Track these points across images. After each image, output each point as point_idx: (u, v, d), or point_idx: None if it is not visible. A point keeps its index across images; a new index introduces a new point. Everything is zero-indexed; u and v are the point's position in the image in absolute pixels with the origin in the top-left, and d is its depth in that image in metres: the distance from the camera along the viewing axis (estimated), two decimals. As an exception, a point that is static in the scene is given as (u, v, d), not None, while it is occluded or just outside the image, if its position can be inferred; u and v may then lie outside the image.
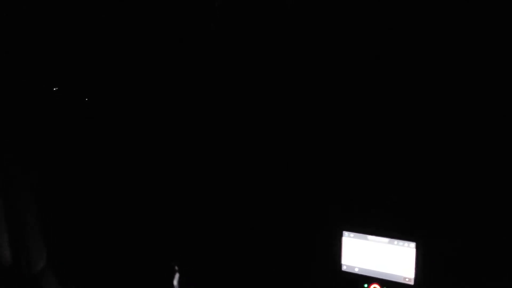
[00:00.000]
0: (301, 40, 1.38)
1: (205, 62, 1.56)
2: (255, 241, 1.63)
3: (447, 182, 1.38)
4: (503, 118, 1.27)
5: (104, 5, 1.57)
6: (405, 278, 1.43)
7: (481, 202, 1.34)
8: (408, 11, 1.18)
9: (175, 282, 1.53)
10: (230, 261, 1.64)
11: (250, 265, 1.62)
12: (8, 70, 1.52)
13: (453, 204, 1.38)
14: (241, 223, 1.64)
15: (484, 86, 1.28)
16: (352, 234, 1.50)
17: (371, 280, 1.47)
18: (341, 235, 1.51)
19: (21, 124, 1.54)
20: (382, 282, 1.46)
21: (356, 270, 1.49)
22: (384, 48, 1.33)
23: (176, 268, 1.55)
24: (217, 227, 1.66)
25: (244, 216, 1.64)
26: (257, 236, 1.63)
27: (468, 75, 1.28)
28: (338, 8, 1.26)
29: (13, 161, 0.87)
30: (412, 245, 1.41)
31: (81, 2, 1.58)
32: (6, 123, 1.10)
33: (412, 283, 1.41)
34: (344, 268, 1.51)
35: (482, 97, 1.29)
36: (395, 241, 1.44)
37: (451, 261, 1.38)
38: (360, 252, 1.49)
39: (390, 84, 1.38)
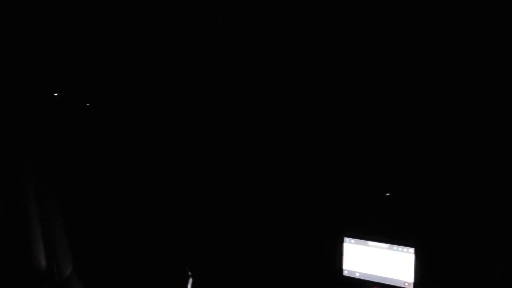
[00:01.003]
0: (300, 40, 1.40)
1: (205, 63, 1.57)
2: (256, 247, 1.65)
3: (447, 189, 1.43)
4: (502, 122, 1.31)
5: (105, 8, 1.57)
6: (404, 282, 1.47)
7: (480, 208, 1.39)
8: (408, 11, 1.21)
9: (189, 287, 1.54)
10: (239, 267, 1.66)
11: (254, 271, 1.65)
12: (17, 76, 1.52)
13: (452, 210, 1.42)
14: (245, 230, 1.67)
15: (484, 86, 1.31)
16: (353, 240, 1.54)
17: (371, 284, 1.51)
18: (342, 241, 1.55)
19: (43, 136, 1.56)
20: (382, 286, 1.50)
21: (357, 275, 1.53)
22: (384, 47, 1.35)
23: (190, 273, 1.56)
24: (228, 233, 1.68)
25: (246, 222, 1.66)
26: (259, 242, 1.65)
27: (468, 75, 1.31)
28: (338, 8, 1.29)
29: (44, 174, 0.91)
30: (412, 250, 1.46)
31: (84, 5, 1.58)
32: (31, 134, 1.13)
33: (411, 287, 1.46)
34: (345, 273, 1.54)
35: (481, 100, 1.32)
36: (395, 247, 1.48)
37: (450, 266, 1.43)
38: (361, 257, 1.53)
39: (390, 87, 1.41)
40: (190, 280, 1.55)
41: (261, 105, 1.60)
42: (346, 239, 1.54)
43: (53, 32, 1.61)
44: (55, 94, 1.75)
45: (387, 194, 1.51)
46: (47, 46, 1.63)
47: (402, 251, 1.47)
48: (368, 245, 1.52)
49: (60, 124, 1.74)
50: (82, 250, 1.16)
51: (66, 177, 1.61)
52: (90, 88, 1.77)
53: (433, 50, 1.33)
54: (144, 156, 1.73)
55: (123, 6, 1.54)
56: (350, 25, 1.32)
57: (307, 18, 1.33)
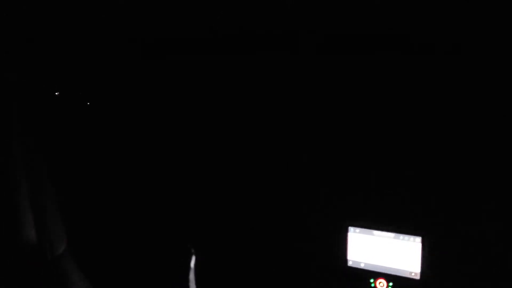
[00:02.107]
0: (300, 40, 1.37)
1: (204, 62, 1.55)
2: (262, 236, 1.63)
3: (453, 176, 1.38)
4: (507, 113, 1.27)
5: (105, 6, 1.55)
6: (411, 272, 1.42)
7: (487, 196, 1.33)
8: (408, 10, 1.16)
9: (192, 264, 1.52)
10: (240, 251, 1.65)
11: (257, 260, 1.63)
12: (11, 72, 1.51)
13: (459, 199, 1.37)
14: (250, 218, 1.65)
15: (484, 85, 1.27)
16: (357, 230, 1.49)
17: (377, 275, 1.47)
18: (346, 231, 1.50)
19: (38, 114, 1.56)
20: (388, 277, 1.46)
21: (362, 266, 1.49)
22: (383, 46, 1.31)
23: (193, 250, 1.54)
24: (230, 218, 1.66)
25: (253, 212, 1.64)
26: (265, 232, 1.63)
27: (467, 74, 1.28)
28: (337, 7, 1.25)
29: (34, 148, 0.87)
30: (418, 239, 1.41)
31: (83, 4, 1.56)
32: (26, 111, 1.11)
33: (418, 277, 1.41)
34: (350, 263, 1.51)
35: (487, 91, 1.28)
36: (401, 236, 1.44)
37: (457, 255, 1.38)
38: (366, 247, 1.48)
39: (394, 80, 1.37)
40: (193, 257, 1.53)
41: (263, 97, 1.57)
42: (351, 229, 1.50)
43: (53, 31, 1.60)
44: (56, 93, 1.75)
45: (393, 182, 1.46)
46: (47, 45, 1.63)
47: (409, 240, 1.43)
48: (373, 235, 1.47)
49: (61, 122, 1.74)
50: (78, 227, 1.15)
51: (67, 155, 1.61)
52: (91, 87, 1.77)
53: (432, 48, 1.28)
54: (145, 144, 1.73)
55: (122, 6, 1.52)
56: (350, 24, 1.29)
57: (306, 18, 1.29)
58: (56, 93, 1.69)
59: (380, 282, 1.47)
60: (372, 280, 1.48)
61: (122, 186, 1.73)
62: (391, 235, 1.45)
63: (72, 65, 1.64)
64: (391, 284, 1.45)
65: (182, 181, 1.71)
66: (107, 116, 1.74)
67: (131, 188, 1.73)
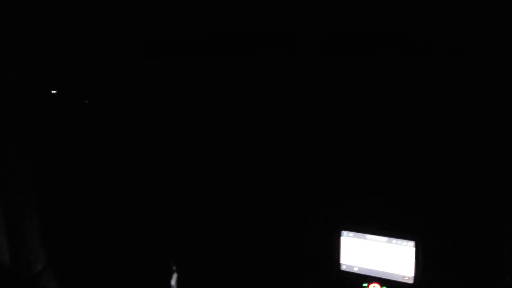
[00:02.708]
0: (300, 40, 1.40)
1: (204, 62, 1.57)
2: (252, 241, 1.61)
3: (446, 181, 1.39)
4: (503, 117, 1.29)
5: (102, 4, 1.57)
6: (404, 277, 1.42)
7: (480, 200, 1.35)
8: (408, 10, 1.20)
9: (173, 282, 1.49)
10: (228, 260, 1.62)
11: (248, 265, 1.60)
12: (10, 72, 1.50)
13: (452, 203, 1.39)
14: (238, 223, 1.63)
15: (483, 85, 1.30)
16: (351, 234, 1.49)
17: (370, 279, 1.46)
18: (339, 235, 1.50)
19: (22, 124, 1.53)
20: (382, 281, 1.45)
21: (355, 270, 1.48)
22: (383, 46, 1.34)
23: (174, 267, 1.51)
24: (215, 226, 1.64)
25: (242, 216, 1.62)
26: (255, 236, 1.61)
27: (466, 73, 1.31)
28: (337, 7, 1.28)
29: (13, 160, 0.86)
30: (411, 244, 1.41)
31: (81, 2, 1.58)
32: (7, 122, 1.09)
33: (411, 282, 1.41)
34: (343, 267, 1.50)
35: (482, 94, 1.31)
36: (394, 240, 1.44)
37: (450, 259, 1.38)
38: (359, 251, 1.48)
39: (389, 80, 1.40)
40: (175, 275, 1.50)
41: (257, 102, 1.58)
42: (344, 233, 1.50)
43: (50, 29, 1.61)
44: (53, 92, 1.74)
45: (386, 186, 1.47)
46: (45, 43, 1.63)
47: (402, 244, 1.43)
48: (366, 239, 1.47)
49: (59, 121, 1.72)
50: (59, 245, 1.11)
51: (48, 167, 1.57)
52: (89, 86, 1.76)
53: (431, 47, 1.32)
54: (127, 148, 1.71)
55: (121, 4, 1.54)
56: (350, 24, 1.32)
57: (306, 18, 1.32)
58: (53, 92, 1.67)
59: (373, 286, 1.46)
60: (365, 284, 1.47)
61: (108, 198, 1.69)
62: (384, 239, 1.45)
63: (69, 63, 1.64)
64: (384, 288, 1.45)
65: (168, 192, 1.69)
66: (104, 115, 1.72)
67: (116, 202, 1.69)
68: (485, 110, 1.32)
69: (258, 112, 1.58)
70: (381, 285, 1.45)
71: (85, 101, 1.77)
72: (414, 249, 1.41)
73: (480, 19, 1.09)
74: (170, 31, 1.50)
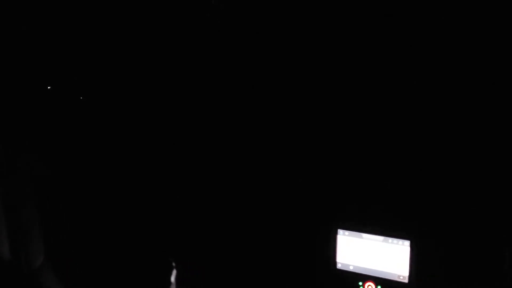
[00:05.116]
0: (299, 37, 1.40)
1: (202, 58, 1.57)
2: (250, 239, 1.62)
3: (442, 181, 1.40)
4: (502, 117, 1.29)
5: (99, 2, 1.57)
6: (399, 276, 1.43)
7: (475, 200, 1.35)
8: (408, 10, 1.20)
9: (172, 278, 1.50)
10: (225, 258, 1.63)
11: (245, 263, 1.61)
12: (9, 69, 1.51)
13: (448, 203, 1.39)
14: (236, 221, 1.63)
15: (484, 82, 1.30)
16: (346, 232, 1.50)
17: (365, 278, 1.47)
18: (335, 233, 1.51)
19: (20, 121, 1.53)
20: (377, 280, 1.46)
21: (350, 268, 1.49)
22: (382, 45, 1.34)
23: (174, 264, 1.52)
24: (214, 224, 1.65)
25: (239, 214, 1.63)
26: (252, 235, 1.62)
27: (466, 72, 1.30)
28: (337, 7, 1.28)
29: (12, 156, 0.87)
30: (407, 243, 1.42)
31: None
32: (6, 119, 1.10)
33: (406, 281, 1.42)
34: (338, 266, 1.50)
35: (480, 95, 1.30)
36: (390, 239, 1.45)
37: (446, 259, 1.38)
38: (355, 250, 1.49)
39: (386, 79, 1.40)
40: (174, 271, 1.51)
41: (255, 103, 1.59)
42: (340, 231, 1.50)
43: (46, 26, 1.61)
44: (48, 88, 1.75)
45: (382, 185, 1.48)
46: (40, 39, 1.63)
47: (398, 243, 1.43)
48: (362, 238, 1.48)
49: (53, 117, 1.73)
50: (59, 240, 1.12)
51: (47, 163, 1.58)
52: (83, 81, 1.76)
53: (431, 46, 1.32)
54: (126, 145, 1.71)
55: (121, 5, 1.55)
56: (348, 20, 1.32)
57: (306, 15, 1.32)
58: (48, 87, 1.68)
59: (368, 285, 1.47)
60: (360, 283, 1.48)
61: (108, 191, 1.70)
62: (380, 238, 1.46)
63: (65, 59, 1.64)
64: (379, 287, 1.45)
65: (164, 191, 1.69)
66: (101, 111, 1.73)
67: (115, 199, 1.70)
68: (485, 110, 1.32)
69: (258, 112, 1.59)
70: (376, 284, 1.45)
71: (80, 97, 1.78)
72: (409, 249, 1.41)
73: (480, 19, 1.09)
74: (170, 31, 1.51)
